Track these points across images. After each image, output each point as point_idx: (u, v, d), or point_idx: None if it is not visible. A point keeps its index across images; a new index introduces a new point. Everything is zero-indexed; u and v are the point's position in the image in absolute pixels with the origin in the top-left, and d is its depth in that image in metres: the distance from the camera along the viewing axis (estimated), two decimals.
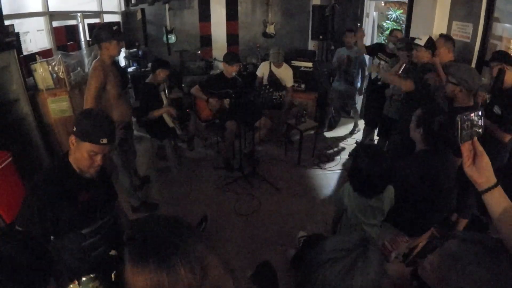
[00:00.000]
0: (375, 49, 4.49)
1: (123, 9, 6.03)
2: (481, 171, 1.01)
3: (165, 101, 3.88)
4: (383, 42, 5.02)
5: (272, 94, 3.68)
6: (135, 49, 6.05)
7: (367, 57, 5.03)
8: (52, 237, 1.65)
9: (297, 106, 5.10)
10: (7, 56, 3.14)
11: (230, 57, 4.09)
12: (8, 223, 2.71)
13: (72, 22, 4.70)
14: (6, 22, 3.10)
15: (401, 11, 7.38)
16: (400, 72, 3.59)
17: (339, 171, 4.45)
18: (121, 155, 3.20)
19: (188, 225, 0.94)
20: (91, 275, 1.60)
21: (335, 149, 5.07)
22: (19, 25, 3.54)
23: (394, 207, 1.99)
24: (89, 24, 4.93)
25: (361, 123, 5.21)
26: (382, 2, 7.05)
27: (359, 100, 6.04)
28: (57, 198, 1.58)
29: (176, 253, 0.83)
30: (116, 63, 3.12)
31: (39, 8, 3.91)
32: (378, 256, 1.02)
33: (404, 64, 3.55)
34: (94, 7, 5.29)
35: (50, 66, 3.57)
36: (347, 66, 5.00)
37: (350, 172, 1.89)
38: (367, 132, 4.79)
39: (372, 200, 1.89)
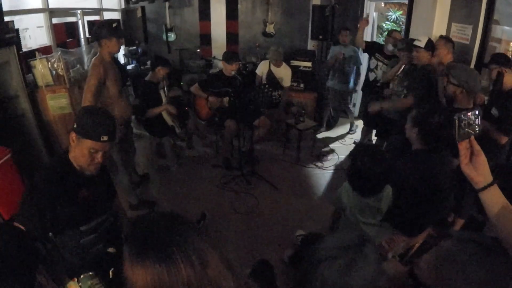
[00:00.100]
0: (374, 48, 4.49)
1: (123, 6, 6.03)
2: (478, 169, 1.02)
3: (164, 99, 3.88)
4: (382, 43, 5.03)
5: (271, 93, 3.69)
6: (134, 47, 6.05)
7: (365, 56, 5.03)
8: (50, 233, 1.65)
9: (295, 105, 5.11)
10: (7, 52, 3.14)
11: (229, 56, 4.10)
12: (7, 219, 2.72)
13: (72, 19, 4.69)
14: (6, 19, 3.09)
15: (401, 12, 7.39)
16: (399, 73, 3.60)
17: (338, 170, 4.46)
18: (121, 152, 3.20)
19: (185, 220, 0.95)
20: (90, 273, 1.61)
21: (334, 149, 5.09)
22: (19, 22, 3.53)
23: (392, 206, 2.00)
24: (88, 21, 4.92)
25: (360, 123, 5.22)
26: (382, 3, 7.05)
27: (357, 100, 6.06)
28: (56, 195, 1.58)
29: (175, 248, 0.84)
30: (115, 60, 3.13)
31: (39, 4, 3.90)
32: (376, 254, 1.03)
33: (404, 65, 3.56)
34: (94, 4, 5.29)
35: (49, 63, 3.57)
36: (342, 65, 5.02)
37: (349, 171, 1.90)
38: (366, 133, 4.80)
39: (371, 200, 1.90)
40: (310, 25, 6.20)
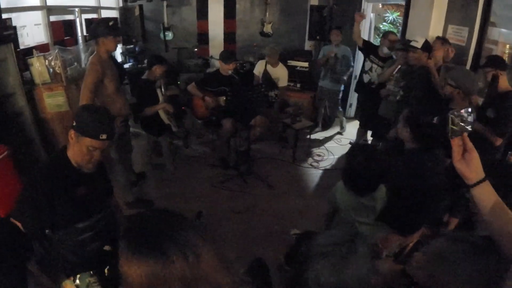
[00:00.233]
0: (370, 49, 4.47)
1: (121, 4, 6.02)
2: (471, 165, 1.04)
3: (161, 98, 3.88)
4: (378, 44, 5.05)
5: (268, 93, 3.70)
6: (132, 45, 6.03)
7: (360, 57, 5.05)
8: (47, 230, 1.66)
9: (291, 105, 5.13)
10: (4, 49, 3.12)
11: (226, 55, 4.11)
12: (3, 217, 2.71)
13: (69, 17, 4.67)
14: (4, 16, 3.08)
15: (398, 13, 7.41)
16: (394, 73, 3.62)
17: (333, 170, 4.49)
18: (118, 150, 3.21)
19: (180, 215, 0.96)
20: (90, 272, 1.62)
21: (329, 149, 5.11)
22: (16, 19, 3.51)
23: (387, 206, 2.02)
24: (86, 19, 4.91)
25: (356, 124, 5.24)
26: (380, 4, 7.07)
27: (353, 100, 6.09)
28: (54, 192, 1.59)
29: (170, 243, 0.86)
30: (112, 58, 3.13)
31: (37, 2, 3.89)
32: (367, 249, 1.05)
33: (399, 66, 3.59)
34: (92, 2, 5.27)
35: (46, 61, 3.55)
36: (332, 64, 5.03)
37: (344, 170, 1.91)
38: (361, 133, 4.82)
39: (365, 199, 1.92)
40: (307, 25, 6.23)
